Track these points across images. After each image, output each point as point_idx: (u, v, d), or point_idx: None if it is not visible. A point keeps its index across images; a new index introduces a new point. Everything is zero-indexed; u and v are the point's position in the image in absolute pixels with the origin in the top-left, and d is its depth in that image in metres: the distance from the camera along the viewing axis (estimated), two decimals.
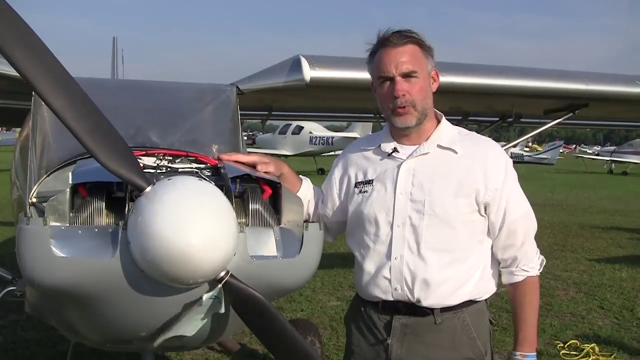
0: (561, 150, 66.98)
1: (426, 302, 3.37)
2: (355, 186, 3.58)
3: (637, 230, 18.82)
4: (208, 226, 2.86)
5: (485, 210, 3.39)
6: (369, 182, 3.52)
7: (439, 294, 3.36)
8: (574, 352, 7.94)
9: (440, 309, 3.39)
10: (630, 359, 7.85)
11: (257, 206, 3.43)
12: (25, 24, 2.88)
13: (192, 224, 2.82)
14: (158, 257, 2.83)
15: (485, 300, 3.55)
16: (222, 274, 3.00)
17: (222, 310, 3.08)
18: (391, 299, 3.42)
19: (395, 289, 3.39)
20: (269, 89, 5.79)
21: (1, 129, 51.52)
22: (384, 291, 3.43)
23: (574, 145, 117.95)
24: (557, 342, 8.24)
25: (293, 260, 3.35)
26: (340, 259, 12.66)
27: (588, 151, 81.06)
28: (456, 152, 3.43)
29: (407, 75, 3.34)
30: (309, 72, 5.49)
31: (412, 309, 3.40)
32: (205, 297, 3.07)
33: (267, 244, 3.33)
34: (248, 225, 3.37)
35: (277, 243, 3.36)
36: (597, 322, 9.34)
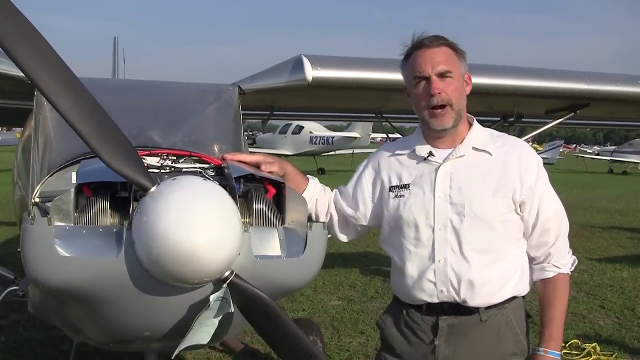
0: (561, 150, 66.96)
1: (473, 303, 3.41)
2: (390, 190, 3.60)
3: (637, 229, 18.80)
4: (213, 226, 2.86)
5: (520, 208, 3.44)
6: (405, 186, 3.54)
7: (484, 293, 3.41)
8: (575, 352, 7.94)
9: (485, 307, 3.44)
10: (632, 359, 7.85)
11: (261, 206, 3.43)
12: (30, 23, 2.87)
13: (197, 223, 2.82)
14: (163, 257, 2.84)
15: (523, 296, 3.60)
16: (227, 273, 3.01)
17: (231, 310, 3.09)
18: (437, 301, 3.46)
19: (441, 291, 3.43)
20: (270, 89, 5.80)
21: (1, 129, 51.56)
22: (429, 294, 3.46)
23: (574, 145, 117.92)
24: None
25: (297, 260, 3.35)
26: (341, 259, 12.70)
27: (588, 151, 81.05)
28: (491, 154, 3.48)
29: (442, 75, 3.39)
30: (311, 72, 5.50)
31: (457, 308, 3.44)
32: (212, 297, 3.07)
33: (271, 243, 3.33)
34: (252, 225, 3.37)
35: (281, 243, 3.35)
36: (598, 321, 9.34)
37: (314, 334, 6.35)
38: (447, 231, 3.41)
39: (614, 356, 7.85)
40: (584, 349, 7.96)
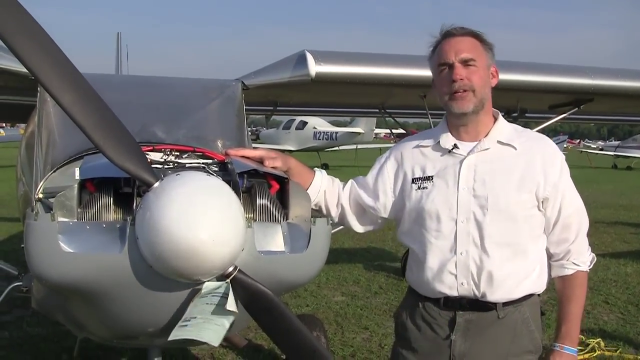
0: (565, 145, 66.86)
1: (492, 297, 3.40)
2: (413, 182, 3.58)
3: None
4: (216, 221, 2.85)
5: (543, 204, 3.44)
6: (429, 178, 3.52)
7: (504, 288, 3.40)
8: (580, 347, 7.90)
9: (503, 303, 3.43)
10: (636, 354, 7.84)
11: (265, 201, 3.42)
12: (33, 18, 2.87)
13: (201, 219, 2.82)
14: (166, 253, 2.83)
15: (539, 294, 3.60)
16: (230, 269, 3.01)
17: (229, 307, 3.08)
18: (456, 294, 3.44)
19: (462, 283, 3.41)
20: (274, 84, 5.79)
21: (5, 125, 51.60)
22: (449, 287, 3.44)
23: (578, 140, 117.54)
24: None
25: (301, 256, 3.35)
26: (345, 254, 12.70)
27: (592, 146, 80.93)
28: (515, 148, 3.46)
29: (465, 63, 3.38)
30: (315, 67, 5.49)
31: (475, 304, 3.43)
32: (209, 285, 3.06)
33: (275, 239, 3.32)
34: (256, 220, 3.36)
35: (285, 238, 3.35)
36: (603, 317, 9.33)
37: (317, 329, 6.37)
38: (470, 224, 3.40)
39: (618, 351, 7.85)
40: (588, 344, 7.94)
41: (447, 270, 3.43)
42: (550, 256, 3.55)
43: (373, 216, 3.79)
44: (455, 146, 3.50)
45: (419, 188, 3.54)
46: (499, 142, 3.47)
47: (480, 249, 3.39)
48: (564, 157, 3.55)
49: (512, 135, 3.52)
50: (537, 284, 3.50)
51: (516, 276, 3.42)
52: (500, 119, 3.59)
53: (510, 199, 3.37)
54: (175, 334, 3.06)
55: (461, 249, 3.40)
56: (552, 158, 3.48)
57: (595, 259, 3.63)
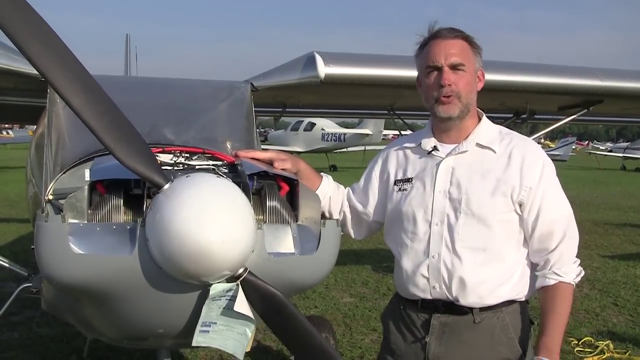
0: (574, 147, 66.70)
1: (465, 301, 3.37)
2: (395, 184, 3.60)
3: None
4: (226, 223, 2.86)
5: (520, 209, 3.37)
6: (409, 180, 3.54)
7: (477, 293, 3.35)
8: (589, 350, 7.92)
9: (480, 308, 3.38)
10: None
11: (275, 203, 3.43)
12: (44, 21, 2.88)
13: (211, 221, 2.82)
14: (176, 254, 2.84)
15: (526, 300, 3.52)
16: (240, 271, 3.01)
17: (238, 308, 3.08)
18: (430, 297, 3.43)
19: (434, 287, 3.40)
20: (283, 86, 5.79)
21: (14, 127, 51.78)
22: (422, 290, 3.44)
23: (587, 142, 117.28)
24: (572, 339, 8.21)
25: (310, 257, 3.35)
26: (353, 256, 12.70)
27: (601, 147, 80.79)
28: (495, 152, 3.43)
29: (455, 67, 3.37)
30: (324, 69, 5.48)
31: (451, 307, 3.40)
32: (218, 287, 3.07)
33: (285, 241, 3.33)
34: (265, 222, 3.37)
35: (295, 240, 3.35)
36: (612, 319, 9.31)
37: (326, 331, 6.38)
38: (444, 227, 3.38)
39: (627, 354, 7.84)
40: (597, 346, 7.95)
41: (419, 273, 3.43)
42: (534, 267, 3.47)
43: (367, 222, 3.82)
44: (435, 148, 3.50)
45: (399, 190, 3.57)
46: (477, 144, 3.46)
47: (452, 253, 3.36)
48: (549, 162, 3.46)
49: (494, 138, 3.48)
50: (517, 290, 3.44)
51: (491, 282, 3.36)
52: (484, 120, 3.55)
53: (484, 202, 3.33)
54: (199, 340, 3.07)
55: (433, 252, 3.39)
56: (532, 162, 3.39)
57: (583, 273, 3.46)
